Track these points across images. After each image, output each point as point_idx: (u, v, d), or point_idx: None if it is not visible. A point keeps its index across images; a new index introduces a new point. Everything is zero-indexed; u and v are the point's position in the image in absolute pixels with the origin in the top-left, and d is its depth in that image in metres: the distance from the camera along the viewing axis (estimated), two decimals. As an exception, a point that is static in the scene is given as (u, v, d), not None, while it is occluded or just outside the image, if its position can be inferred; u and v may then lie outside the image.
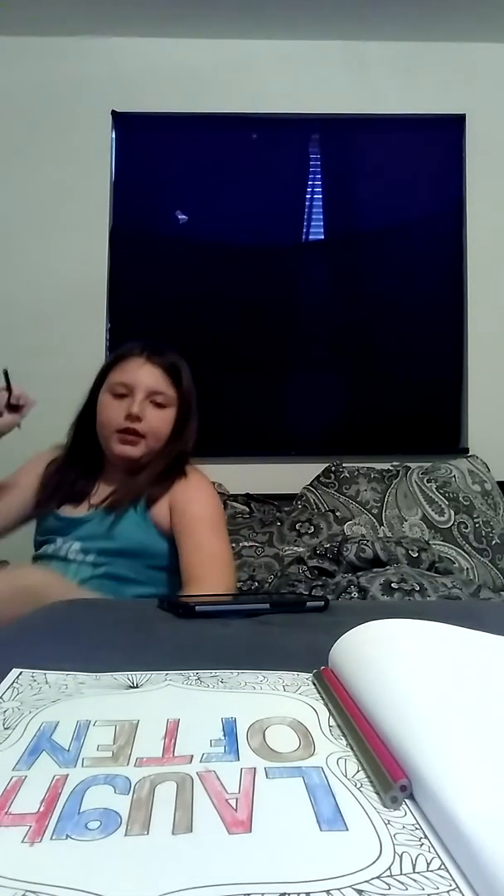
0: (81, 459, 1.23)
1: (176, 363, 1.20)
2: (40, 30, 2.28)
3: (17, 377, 2.48)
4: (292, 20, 2.24)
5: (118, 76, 2.33)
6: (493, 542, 1.85)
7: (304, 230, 2.40)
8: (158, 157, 2.37)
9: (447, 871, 0.24)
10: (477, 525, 1.86)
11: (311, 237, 2.40)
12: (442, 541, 1.80)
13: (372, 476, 1.93)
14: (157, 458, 1.18)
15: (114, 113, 2.34)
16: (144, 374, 1.15)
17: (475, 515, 1.88)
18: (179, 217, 2.40)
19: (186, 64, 2.33)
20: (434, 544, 1.74)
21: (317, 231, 2.40)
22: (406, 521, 1.83)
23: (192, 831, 0.26)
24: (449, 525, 1.83)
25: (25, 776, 0.30)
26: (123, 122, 2.36)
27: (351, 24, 2.25)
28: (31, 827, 0.26)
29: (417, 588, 1.29)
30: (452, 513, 1.86)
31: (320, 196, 2.39)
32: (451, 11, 2.20)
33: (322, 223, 2.39)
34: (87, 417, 1.23)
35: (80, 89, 2.32)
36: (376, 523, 1.82)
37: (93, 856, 0.25)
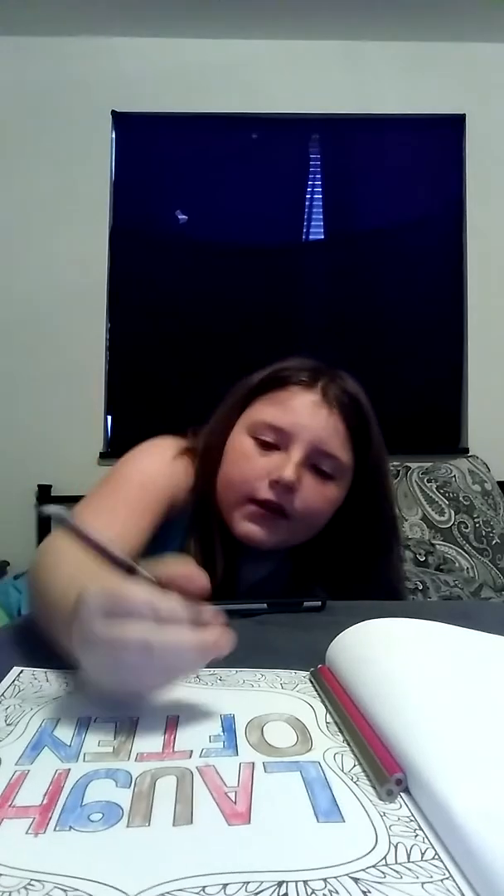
0: (213, 517, 0.74)
1: (364, 410, 0.76)
2: (40, 30, 2.28)
3: (17, 377, 2.49)
4: (292, 20, 2.24)
5: (118, 76, 2.34)
6: (494, 541, 1.86)
7: (304, 230, 2.41)
8: (158, 157, 2.37)
9: (441, 860, 0.25)
10: (477, 525, 1.86)
11: (311, 237, 2.41)
12: (442, 540, 1.80)
13: (372, 475, 1.94)
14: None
15: (114, 113, 2.35)
16: (314, 421, 0.71)
17: (475, 515, 1.88)
18: (179, 217, 2.40)
19: (186, 64, 2.34)
20: (434, 544, 1.74)
21: (317, 231, 2.41)
22: (406, 520, 1.84)
23: (192, 823, 0.27)
24: (449, 525, 1.84)
25: (28, 770, 0.31)
26: (123, 122, 2.36)
27: (351, 24, 2.25)
28: (34, 819, 0.27)
29: (420, 587, 1.30)
30: (452, 512, 1.87)
31: (320, 196, 2.40)
32: (452, 11, 2.20)
33: (322, 223, 2.40)
34: (214, 457, 0.75)
35: (80, 89, 2.33)
36: (376, 523, 1.83)
37: (95, 846, 0.25)
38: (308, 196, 2.40)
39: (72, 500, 2.35)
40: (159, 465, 0.74)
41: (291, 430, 0.70)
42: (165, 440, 0.79)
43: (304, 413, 0.71)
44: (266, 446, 0.71)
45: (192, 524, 0.75)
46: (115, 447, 2.31)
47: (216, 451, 0.74)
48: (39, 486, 2.23)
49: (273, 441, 0.71)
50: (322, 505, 0.71)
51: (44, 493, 2.23)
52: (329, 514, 0.73)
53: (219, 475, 0.73)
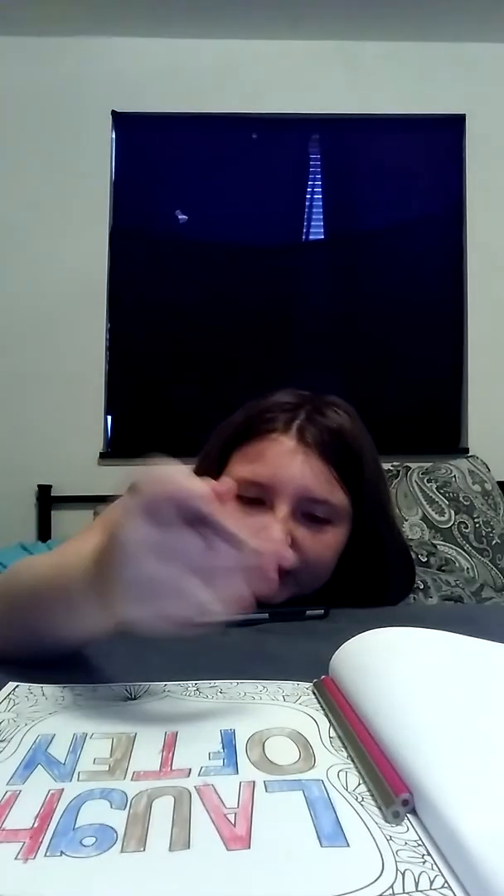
0: None
1: (351, 443, 0.71)
2: (40, 30, 2.28)
3: (17, 377, 2.48)
4: (292, 20, 2.23)
5: (118, 76, 2.33)
6: (494, 542, 1.85)
7: (305, 230, 2.40)
8: (158, 157, 2.37)
9: (450, 888, 0.23)
10: (477, 525, 1.85)
11: (311, 237, 2.40)
12: (442, 541, 1.79)
13: (372, 477, 1.93)
14: None
15: (114, 113, 2.34)
16: (293, 470, 0.67)
17: (475, 515, 1.87)
18: (179, 217, 2.39)
19: (186, 64, 2.33)
20: (435, 544, 1.74)
21: (317, 231, 2.40)
22: (406, 521, 1.83)
23: (189, 848, 0.25)
24: (449, 525, 1.83)
25: (20, 790, 0.30)
26: (123, 122, 2.35)
27: (351, 24, 2.25)
28: (24, 843, 0.26)
29: (421, 587, 1.29)
30: (453, 513, 1.86)
31: (320, 196, 2.39)
32: (451, 11, 2.19)
33: (322, 223, 2.39)
34: None
35: (80, 89, 2.32)
36: (377, 524, 1.82)
37: (88, 873, 0.24)
38: (308, 196, 2.39)
39: (72, 501, 2.33)
40: None
41: (272, 484, 0.67)
42: None
43: (282, 463, 0.67)
44: (251, 503, 0.67)
45: None
46: (115, 447, 2.30)
47: None
48: (39, 486, 2.22)
49: (256, 497, 0.67)
50: (322, 552, 0.68)
51: (44, 493, 2.22)
52: (333, 557, 0.70)
53: None
